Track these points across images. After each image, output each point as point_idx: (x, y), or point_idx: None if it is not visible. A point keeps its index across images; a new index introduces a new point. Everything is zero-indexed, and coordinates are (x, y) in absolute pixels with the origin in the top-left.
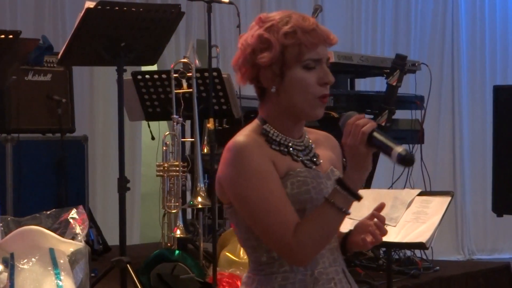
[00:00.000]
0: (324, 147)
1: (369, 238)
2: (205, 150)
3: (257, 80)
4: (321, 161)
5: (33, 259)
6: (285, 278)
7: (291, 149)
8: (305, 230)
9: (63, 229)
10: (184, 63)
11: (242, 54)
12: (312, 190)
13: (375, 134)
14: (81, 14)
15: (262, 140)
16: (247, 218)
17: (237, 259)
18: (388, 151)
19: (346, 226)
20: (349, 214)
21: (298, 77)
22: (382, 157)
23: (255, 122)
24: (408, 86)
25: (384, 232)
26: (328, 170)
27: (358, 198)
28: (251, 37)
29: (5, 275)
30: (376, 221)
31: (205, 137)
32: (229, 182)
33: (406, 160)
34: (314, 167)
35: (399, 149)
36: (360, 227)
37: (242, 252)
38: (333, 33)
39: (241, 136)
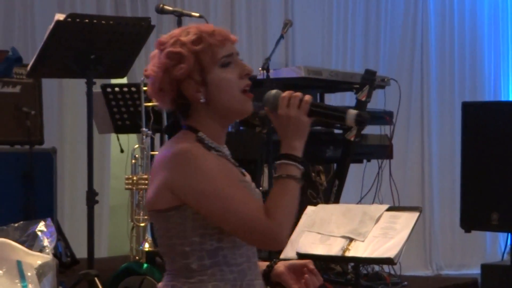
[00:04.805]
0: None
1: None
2: None
3: (180, 97)
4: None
5: (0, 271)
6: (215, 286)
7: (228, 156)
8: (278, 210)
9: (31, 242)
10: None
11: (156, 80)
12: None
13: (316, 103)
14: (51, 26)
15: (200, 146)
16: (216, 213)
17: None
18: (340, 116)
19: (314, 240)
20: (302, 183)
21: (219, 77)
22: (351, 172)
23: (184, 133)
24: (377, 101)
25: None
26: (252, 184)
27: (306, 165)
28: (160, 60)
29: None
30: (312, 268)
31: None
32: (188, 183)
33: (363, 118)
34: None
35: (352, 110)
36: (293, 267)
37: None
38: (303, 48)
39: (180, 144)
